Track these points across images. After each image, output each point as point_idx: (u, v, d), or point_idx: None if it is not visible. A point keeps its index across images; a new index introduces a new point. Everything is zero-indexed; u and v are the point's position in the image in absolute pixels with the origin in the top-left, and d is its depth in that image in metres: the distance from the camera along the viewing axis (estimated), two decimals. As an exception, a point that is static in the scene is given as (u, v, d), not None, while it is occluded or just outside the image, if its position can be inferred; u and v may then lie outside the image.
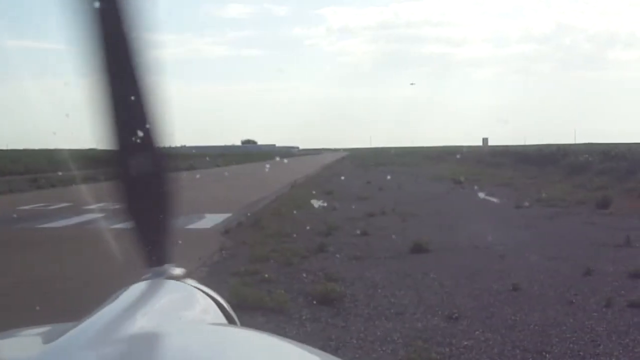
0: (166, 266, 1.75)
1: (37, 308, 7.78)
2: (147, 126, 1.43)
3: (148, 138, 1.46)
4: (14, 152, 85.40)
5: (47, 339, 1.23)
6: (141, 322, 1.39)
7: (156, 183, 1.60)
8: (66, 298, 8.67)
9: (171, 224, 1.77)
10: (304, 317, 8.16)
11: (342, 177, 39.20)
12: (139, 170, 1.50)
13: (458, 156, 66.95)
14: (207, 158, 77.84)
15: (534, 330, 7.49)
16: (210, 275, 10.44)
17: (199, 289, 1.75)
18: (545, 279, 10.08)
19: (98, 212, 20.03)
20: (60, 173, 39.36)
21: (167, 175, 1.67)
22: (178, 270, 1.77)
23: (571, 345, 6.95)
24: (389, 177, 36.95)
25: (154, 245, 1.72)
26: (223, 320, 1.64)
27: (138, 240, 1.68)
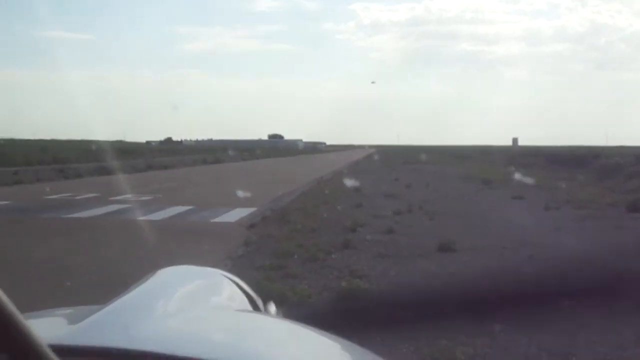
0: None
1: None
2: None
3: None
4: (42, 142, 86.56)
5: (77, 319, 1.27)
6: (168, 306, 1.41)
7: None
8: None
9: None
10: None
11: (370, 174, 39.16)
12: None
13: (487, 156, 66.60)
14: (230, 152, 78.04)
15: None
16: (233, 268, 10.45)
17: (226, 276, 1.76)
18: (574, 282, 9.95)
19: (124, 203, 20.24)
20: (87, 164, 39.84)
21: None
22: None
23: None
24: (416, 175, 36.84)
25: None
26: (248, 307, 1.65)
27: None
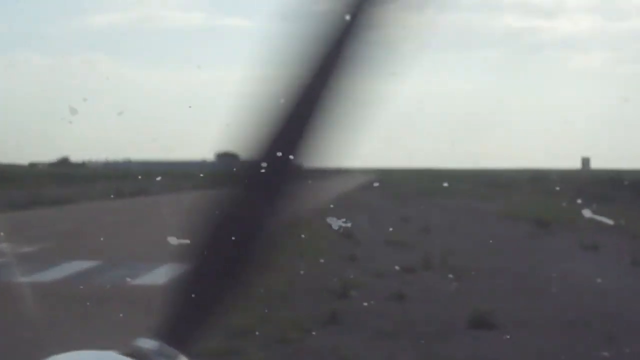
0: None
1: None
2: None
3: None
4: None
5: None
6: None
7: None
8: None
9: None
10: None
11: (367, 212, 39.18)
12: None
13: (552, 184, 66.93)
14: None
15: None
16: (163, 354, 10.37)
17: None
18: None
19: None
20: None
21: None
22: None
23: None
24: (436, 213, 36.87)
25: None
26: None
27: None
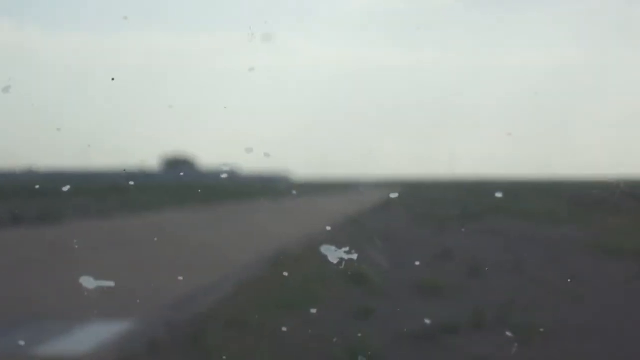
0: None
1: None
2: None
3: None
4: None
5: None
6: None
7: None
8: None
9: None
10: None
11: (386, 242, 39.13)
12: None
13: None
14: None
15: None
16: None
17: None
18: None
19: None
20: None
21: None
22: None
23: None
24: (490, 245, 36.83)
25: None
26: None
27: None
